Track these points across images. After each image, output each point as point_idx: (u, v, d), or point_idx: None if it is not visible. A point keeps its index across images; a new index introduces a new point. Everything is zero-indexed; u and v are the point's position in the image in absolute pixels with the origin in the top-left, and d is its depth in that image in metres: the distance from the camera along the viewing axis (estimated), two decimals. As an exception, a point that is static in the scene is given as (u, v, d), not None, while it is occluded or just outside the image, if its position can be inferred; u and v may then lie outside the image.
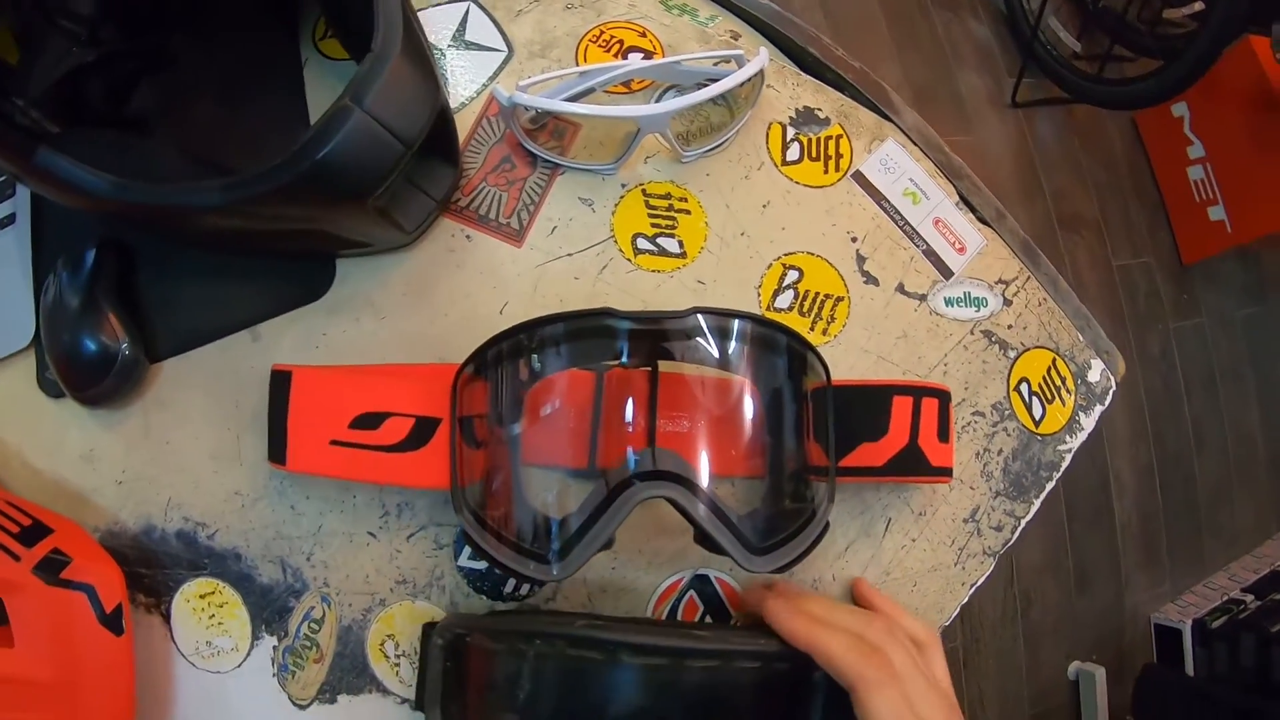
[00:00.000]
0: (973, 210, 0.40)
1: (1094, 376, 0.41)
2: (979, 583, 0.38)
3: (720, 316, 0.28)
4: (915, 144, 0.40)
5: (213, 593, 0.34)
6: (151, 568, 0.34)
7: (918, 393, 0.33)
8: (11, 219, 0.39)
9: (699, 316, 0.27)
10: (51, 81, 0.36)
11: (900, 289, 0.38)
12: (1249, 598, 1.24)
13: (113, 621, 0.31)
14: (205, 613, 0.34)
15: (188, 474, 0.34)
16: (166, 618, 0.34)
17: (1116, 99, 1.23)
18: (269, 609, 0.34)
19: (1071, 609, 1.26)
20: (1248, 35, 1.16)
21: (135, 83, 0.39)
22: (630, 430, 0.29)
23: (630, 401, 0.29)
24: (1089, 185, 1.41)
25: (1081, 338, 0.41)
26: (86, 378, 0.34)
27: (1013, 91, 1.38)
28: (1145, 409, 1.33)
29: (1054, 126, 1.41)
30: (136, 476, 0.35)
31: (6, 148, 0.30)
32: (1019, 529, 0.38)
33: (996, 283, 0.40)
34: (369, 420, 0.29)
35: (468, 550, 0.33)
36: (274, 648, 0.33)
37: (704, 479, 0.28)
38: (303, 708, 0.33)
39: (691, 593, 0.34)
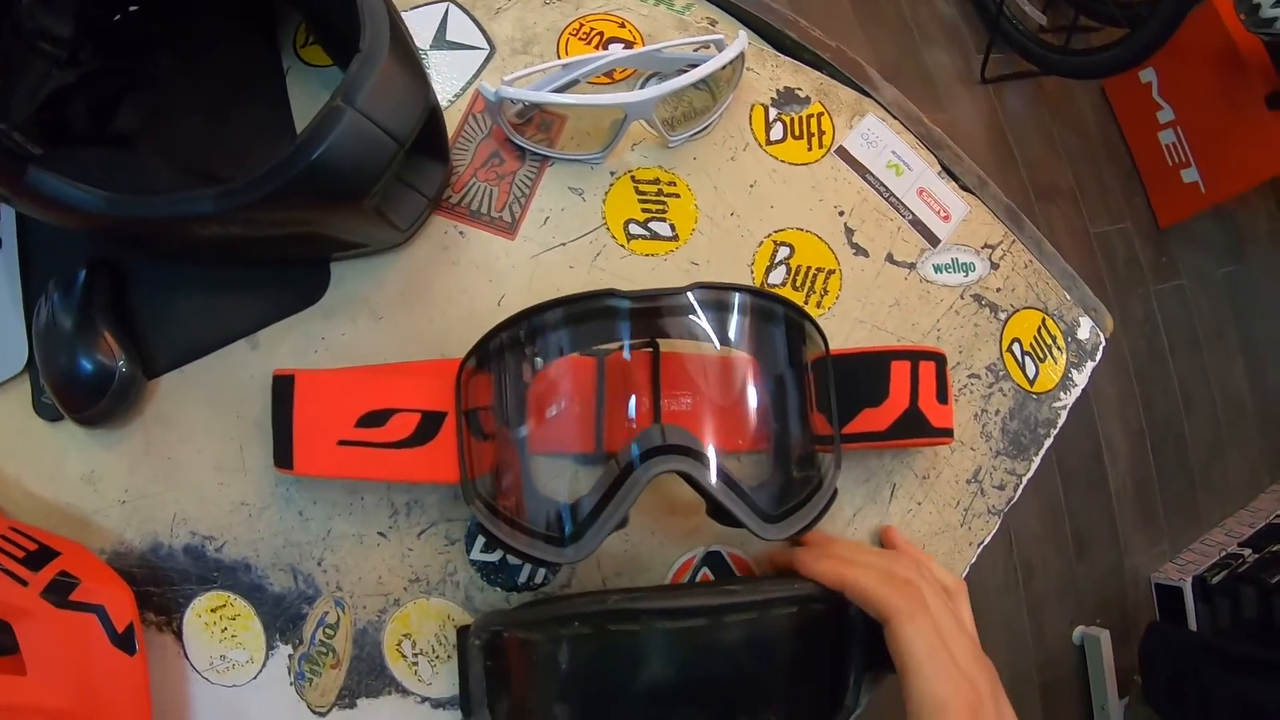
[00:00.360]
0: (955, 179, 0.41)
1: (1083, 334, 0.42)
2: (985, 541, 0.38)
3: (720, 290, 0.28)
4: (895, 118, 0.41)
5: (224, 605, 0.34)
6: (160, 585, 0.34)
7: (914, 357, 0.33)
8: (-3, 244, 0.38)
9: (699, 291, 0.28)
10: (33, 104, 0.35)
11: (889, 259, 0.39)
12: (1247, 551, 1.26)
13: (125, 641, 0.31)
14: (218, 626, 0.34)
15: (192, 488, 0.34)
16: (179, 635, 0.34)
17: (1084, 69, 1.24)
18: (282, 618, 0.33)
19: (1073, 575, 1.27)
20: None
21: (118, 101, 0.38)
22: (636, 410, 0.29)
23: (634, 382, 0.29)
24: (1062, 156, 1.43)
25: (1069, 296, 0.42)
26: (84, 398, 0.34)
27: (981, 67, 1.39)
28: (1132, 373, 1.35)
29: (1024, 100, 1.43)
30: (140, 494, 0.34)
31: (-3, 171, 0.30)
32: (1020, 486, 0.39)
33: (983, 247, 0.40)
34: (375, 418, 0.29)
35: (480, 543, 0.33)
36: (290, 656, 0.33)
37: (712, 451, 0.28)
38: (323, 715, 0.33)
39: (705, 570, 0.34)
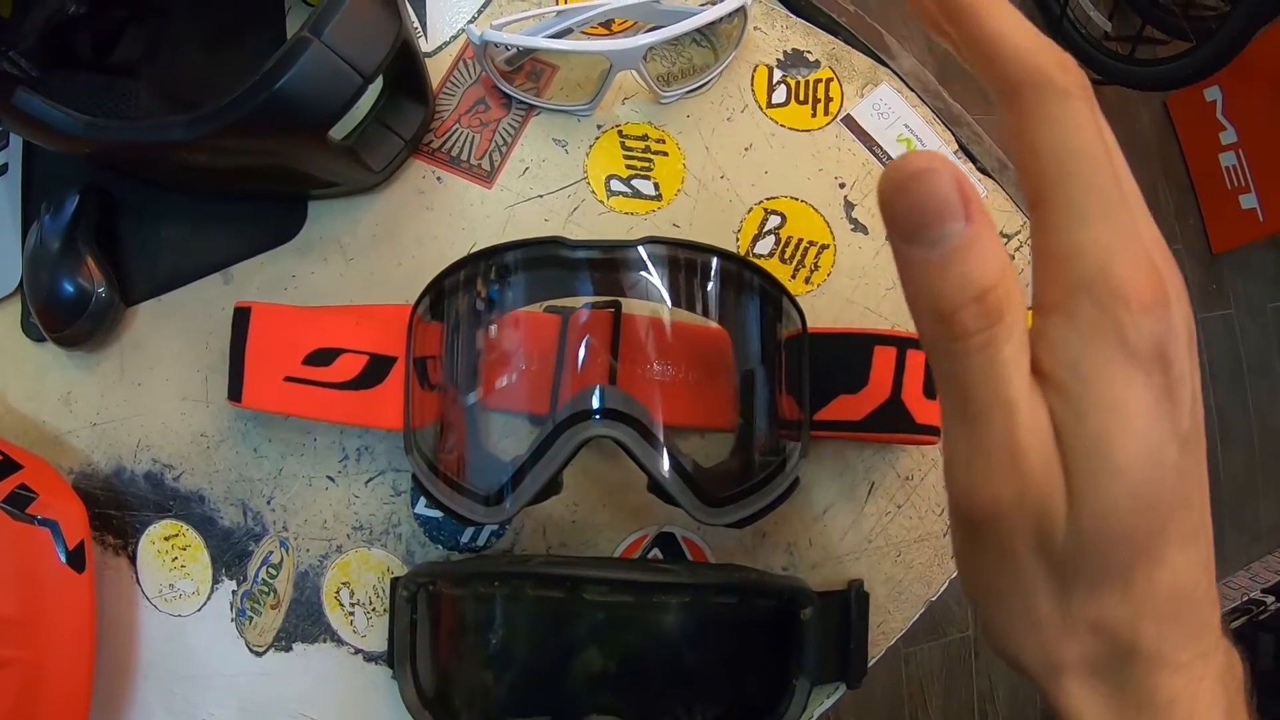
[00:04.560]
0: (973, 160, 0.38)
1: (1105, 340, 0.38)
2: (970, 554, 0.35)
3: (675, 247, 0.26)
4: (912, 90, 0.38)
5: (177, 535, 0.34)
6: (120, 509, 0.34)
7: (902, 343, 0.31)
8: (4, 169, 0.40)
9: (652, 245, 0.26)
10: (42, 31, 0.36)
11: (891, 239, 0.36)
12: (1269, 599, 1.17)
13: (75, 559, 0.32)
14: (169, 555, 0.34)
15: (157, 415, 0.34)
16: (133, 560, 0.34)
17: (1147, 80, 1.20)
18: (229, 553, 0.33)
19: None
20: (1283, 17, 1.11)
21: (121, 31, 0.39)
22: (584, 371, 0.27)
23: (586, 340, 0.28)
24: (1119, 169, 1.35)
25: (1092, 298, 0.38)
26: (62, 318, 0.34)
27: (1041, 72, 1.33)
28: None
29: (1083, 108, 1.36)
30: (110, 419, 0.35)
31: (-14, 90, 0.31)
32: (1016, 499, 0.36)
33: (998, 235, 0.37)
34: (322, 356, 0.29)
35: (425, 498, 0.32)
36: (233, 592, 0.33)
37: (659, 423, 0.26)
38: (259, 654, 0.33)
39: (655, 550, 0.32)
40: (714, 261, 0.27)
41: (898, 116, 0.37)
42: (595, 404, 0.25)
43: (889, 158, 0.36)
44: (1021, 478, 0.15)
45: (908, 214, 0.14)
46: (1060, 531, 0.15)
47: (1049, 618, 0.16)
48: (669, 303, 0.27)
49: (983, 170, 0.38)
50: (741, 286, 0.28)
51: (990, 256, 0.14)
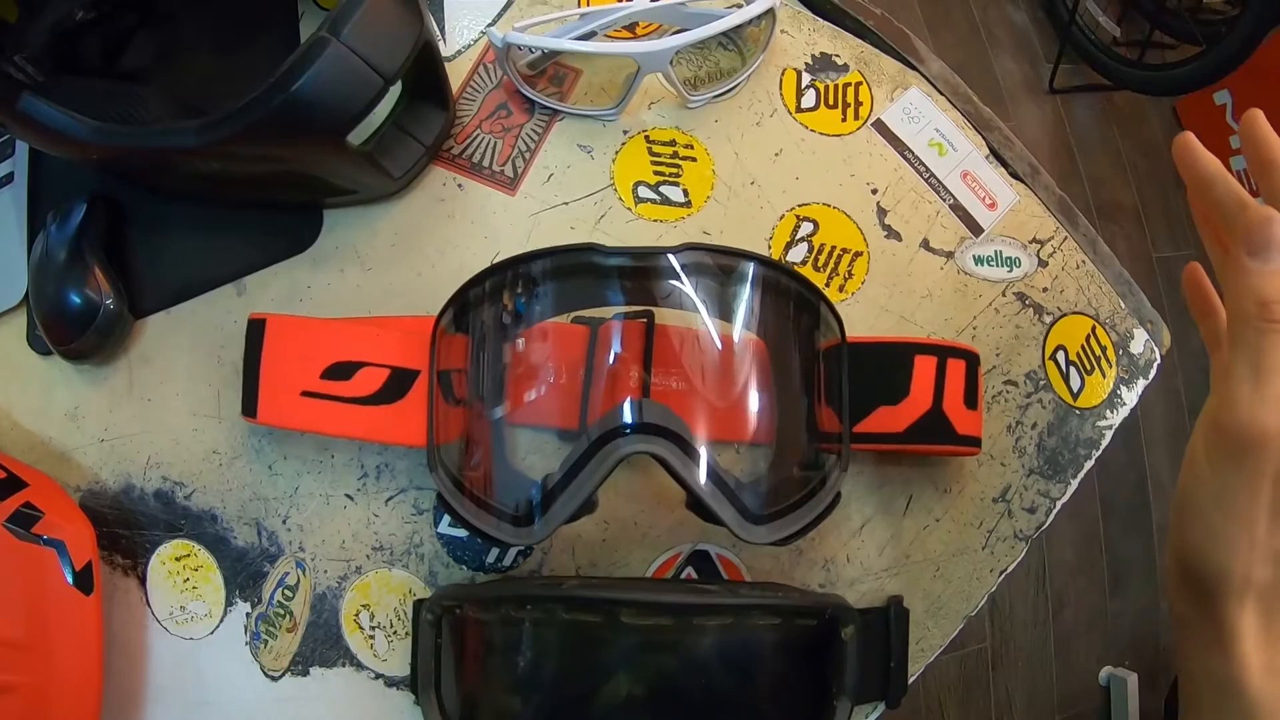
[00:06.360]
0: (1004, 165, 0.37)
1: (1137, 348, 0.37)
2: (1009, 569, 0.34)
3: (715, 254, 0.25)
4: (942, 94, 0.37)
5: (188, 555, 0.32)
6: (130, 528, 0.33)
7: (943, 352, 0.30)
8: (10, 178, 0.38)
9: (690, 252, 0.25)
10: (50, 38, 0.35)
11: (925, 245, 0.35)
12: None
13: (83, 580, 0.30)
14: (180, 576, 0.32)
15: (168, 431, 0.33)
16: (143, 581, 0.33)
17: (1156, 84, 1.20)
18: (243, 574, 0.32)
19: (1105, 612, 1.20)
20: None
21: (130, 36, 0.38)
22: (619, 384, 0.26)
23: (619, 351, 0.27)
24: (1128, 174, 1.35)
25: (1124, 305, 0.37)
26: (69, 331, 0.33)
27: (1050, 77, 1.33)
28: (1185, 406, 1.26)
29: (1093, 114, 1.36)
30: (119, 435, 0.34)
31: (-6, 96, 0.30)
32: (1054, 511, 0.35)
33: (1030, 242, 0.36)
34: (341, 370, 0.28)
35: (448, 517, 0.31)
36: (247, 615, 0.32)
37: (698, 437, 0.25)
38: (275, 679, 0.32)
39: (689, 570, 0.31)
40: (753, 269, 0.26)
41: (928, 121, 0.36)
42: (631, 418, 0.24)
43: (920, 163, 0.36)
44: None
45: (1263, 242, 0.21)
46: None
47: (1263, 540, 0.21)
48: (705, 310, 0.26)
49: (1014, 175, 0.37)
50: (780, 294, 0.27)
51: None
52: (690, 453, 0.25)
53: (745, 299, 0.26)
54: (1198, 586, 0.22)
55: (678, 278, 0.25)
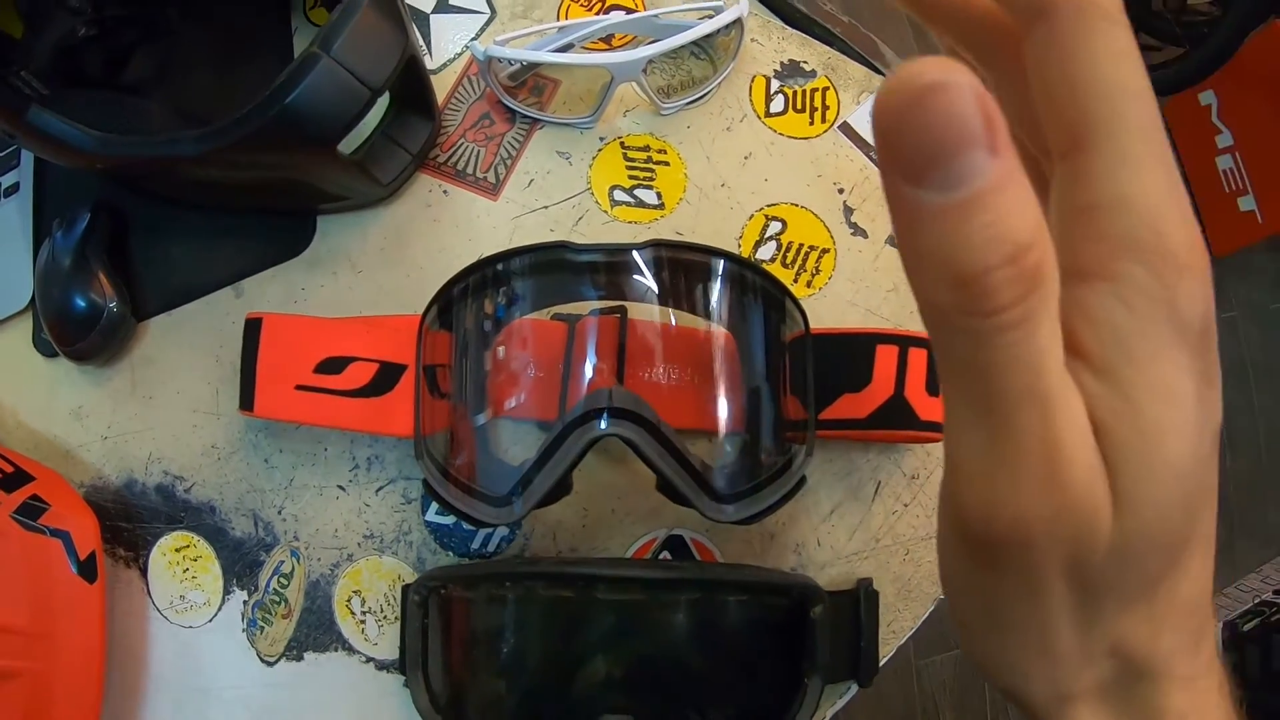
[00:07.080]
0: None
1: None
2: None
3: (680, 250, 0.27)
4: (907, 97, 0.38)
5: (187, 546, 0.34)
6: (131, 521, 0.34)
7: (904, 342, 0.31)
8: (15, 188, 0.40)
9: (657, 249, 0.26)
10: (53, 53, 0.37)
11: (891, 241, 0.36)
12: None
13: (87, 569, 0.32)
14: (180, 566, 0.34)
15: (169, 428, 0.35)
16: (144, 572, 0.34)
17: None
18: (240, 563, 0.33)
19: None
20: (1276, 20, 1.13)
21: (131, 51, 0.40)
22: (594, 374, 0.28)
23: (593, 342, 0.28)
24: (1117, 176, 1.36)
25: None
26: (74, 333, 0.35)
27: (1035, 81, 1.35)
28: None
29: (1080, 116, 1.38)
30: (121, 432, 0.35)
31: (1, 107, 0.31)
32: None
33: (995, 239, 0.38)
34: (333, 365, 0.29)
35: (436, 505, 0.33)
36: (244, 603, 0.33)
37: (666, 422, 0.27)
38: (271, 664, 0.33)
39: (665, 553, 0.33)
40: (718, 263, 0.27)
41: (893, 123, 0.37)
42: (603, 404, 0.26)
43: (886, 163, 0.37)
44: (1061, 490, 0.11)
45: (916, 144, 0.09)
46: (1101, 549, 0.12)
47: (1068, 647, 0.13)
48: (674, 305, 0.27)
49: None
50: (745, 288, 0.28)
51: (1025, 202, 0.10)
52: (659, 437, 0.26)
53: (710, 292, 0.28)
54: (1020, 705, 0.15)
55: (646, 271, 0.26)
